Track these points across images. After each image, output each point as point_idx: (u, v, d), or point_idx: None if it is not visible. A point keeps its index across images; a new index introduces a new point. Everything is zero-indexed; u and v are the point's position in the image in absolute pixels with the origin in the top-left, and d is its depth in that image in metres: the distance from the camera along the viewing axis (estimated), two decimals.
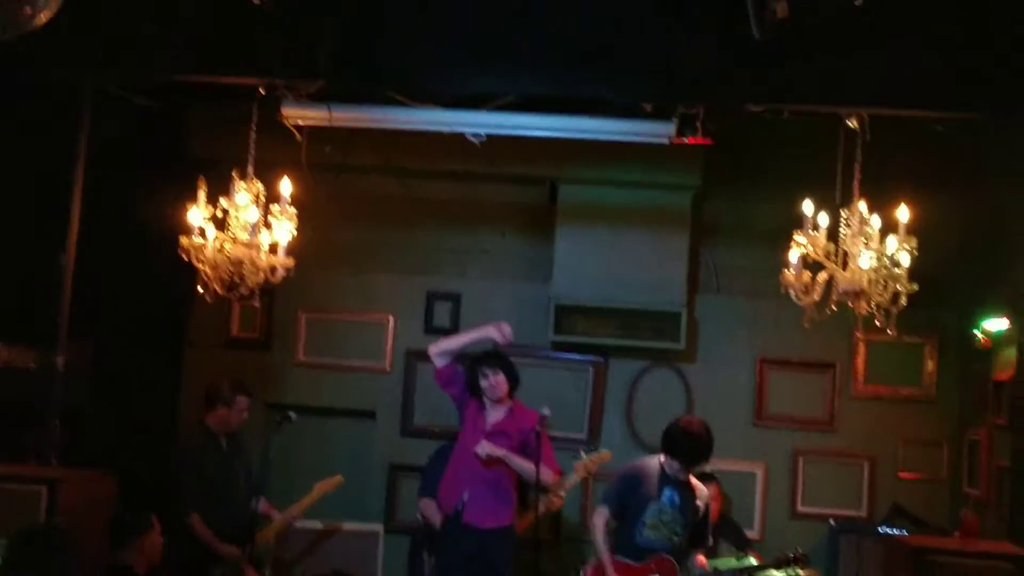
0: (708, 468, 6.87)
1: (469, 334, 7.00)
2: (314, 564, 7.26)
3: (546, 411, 6.31)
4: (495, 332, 6.77)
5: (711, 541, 6.50)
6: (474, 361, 6.80)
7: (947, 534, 7.27)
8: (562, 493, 7.22)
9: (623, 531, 6.35)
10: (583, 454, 7.46)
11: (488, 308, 8.48)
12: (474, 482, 6.65)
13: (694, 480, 6.48)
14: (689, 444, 6.25)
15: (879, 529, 7.58)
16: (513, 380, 6.74)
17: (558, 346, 8.31)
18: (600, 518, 6.40)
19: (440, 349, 6.86)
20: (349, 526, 7.43)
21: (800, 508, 8.17)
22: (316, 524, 7.31)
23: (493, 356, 6.78)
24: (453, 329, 8.47)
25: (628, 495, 6.36)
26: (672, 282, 8.19)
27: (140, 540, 5.49)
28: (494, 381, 6.65)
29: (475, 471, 6.65)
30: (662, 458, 6.37)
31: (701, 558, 6.38)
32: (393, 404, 8.51)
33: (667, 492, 6.27)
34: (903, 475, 8.25)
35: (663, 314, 8.16)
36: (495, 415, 6.73)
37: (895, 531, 7.46)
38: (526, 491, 6.69)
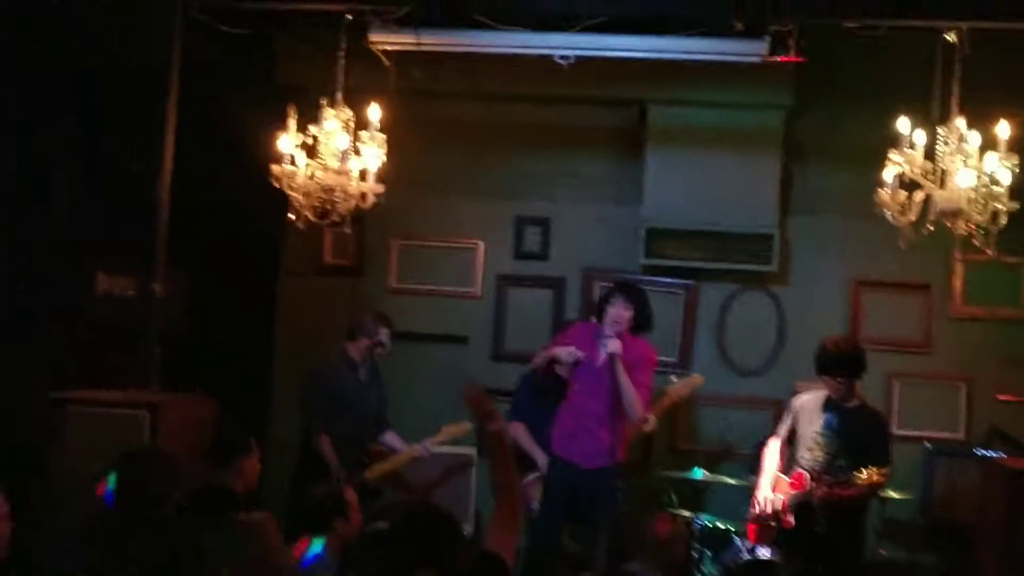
0: None
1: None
2: (409, 487, 7.37)
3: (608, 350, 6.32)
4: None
5: (886, 462, 6.31)
6: (612, 288, 6.66)
7: None
8: (652, 417, 7.22)
9: (793, 453, 6.49)
10: (674, 379, 7.46)
11: (577, 232, 8.49)
12: (584, 425, 6.57)
13: (872, 409, 6.48)
14: (822, 357, 6.28)
15: (976, 452, 7.50)
16: (641, 321, 6.54)
17: (648, 270, 8.25)
18: (770, 443, 6.60)
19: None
20: (443, 450, 7.52)
21: (896, 431, 8.05)
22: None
23: (631, 289, 6.63)
24: (542, 254, 8.50)
25: (793, 423, 6.47)
26: (764, 203, 8.09)
27: (239, 462, 5.57)
28: (618, 313, 6.44)
29: (586, 412, 6.57)
30: None
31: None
32: (484, 329, 8.56)
33: (826, 416, 6.28)
34: (1001, 397, 8.11)
35: (755, 236, 8.07)
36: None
37: (992, 454, 7.36)
38: None
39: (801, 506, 6.22)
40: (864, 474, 5.97)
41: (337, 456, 6.86)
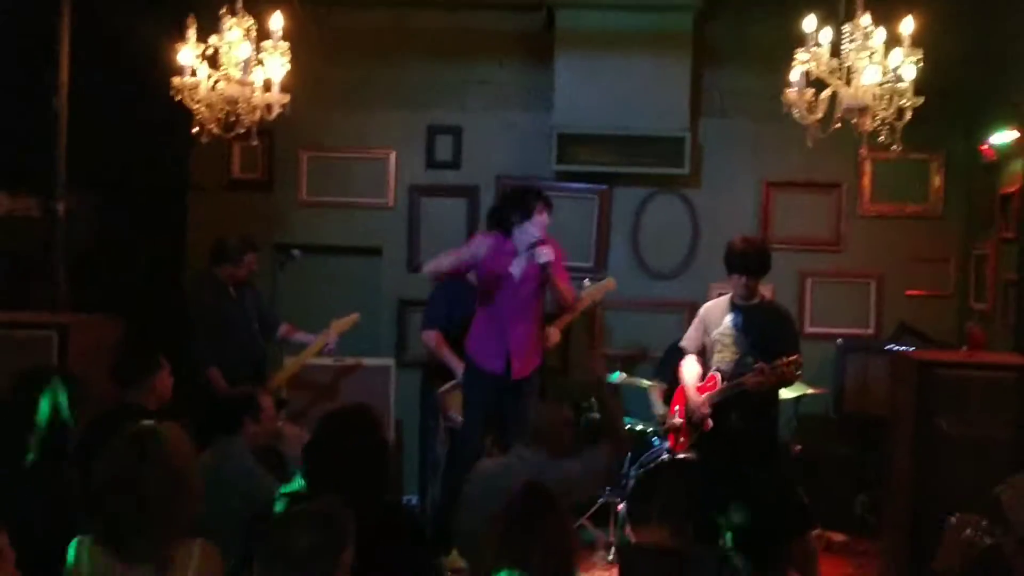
0: None
1: (458, 253, 6.74)
2: (328, 400, 7.36)
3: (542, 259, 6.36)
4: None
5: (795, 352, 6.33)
6: (529, 196, 6.55)
7: (954, 349, 7.32)
8: (558, 328, 7.23)
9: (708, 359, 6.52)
10: (587, 283, 7.49)
11: (489, 140, 8.44)
12: (517, 335, 6.60)
13: (772, 301, 6.64)
14: (730, 255, 6.32)
15: (886, 347, 7.64)
16: None
17: (561, 175, 8.24)
18: (686, 359, 6.61)
19: (433, 271, 6.78)
20: (362, 362, 7.51)
21: (808, 329, 8.18)
22: (328, 361, 7.39)
23: (544, 195, 6.59)
24: (455, 163, 8.45)
25: (703, 330, 6.51)
26: (675, 106, 8.07)
27: (151, 379, 5.51)
28: (544, 220, 6.45)
29: (518, 322, 6.60)
30: None
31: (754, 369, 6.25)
32: (398, 240, 8.51)
33: (731, 316, 6.33)
34: (910, 292, 8.28)
35: (667, 139, 8.07)
36: (523, 260, 6.54)
37: (902, 348, 7.51)
38: None
39: (716, 405, 6.30)
40: (784, 359, 6.06)
41: (236, 375, 6.75)
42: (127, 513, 3.41)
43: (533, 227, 6.46)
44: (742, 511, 4.12)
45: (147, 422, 3.69)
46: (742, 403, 6.21)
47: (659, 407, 7.25)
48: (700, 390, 6.37)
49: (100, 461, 3.50)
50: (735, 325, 6.34)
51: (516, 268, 6.52)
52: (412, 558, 4.07)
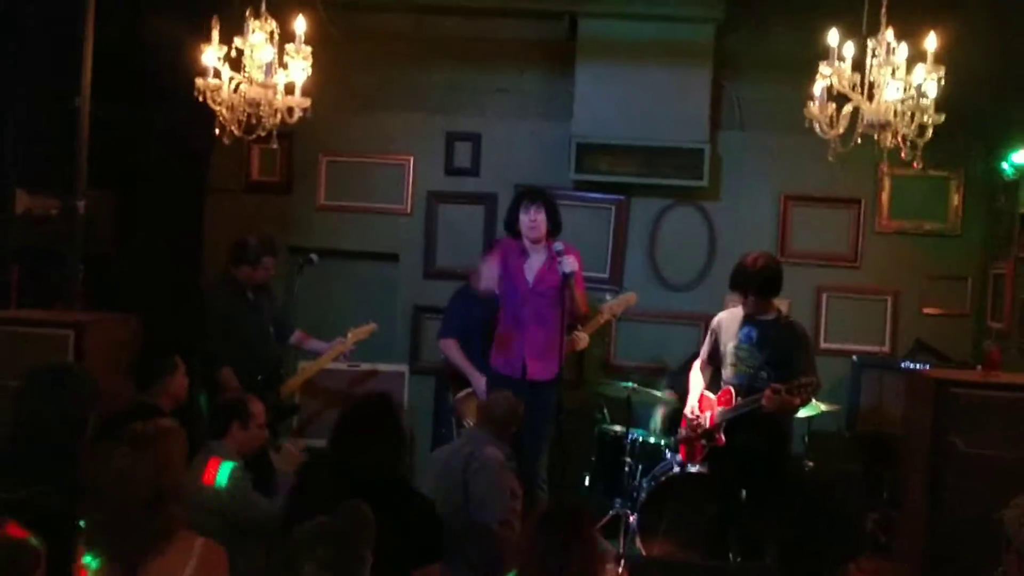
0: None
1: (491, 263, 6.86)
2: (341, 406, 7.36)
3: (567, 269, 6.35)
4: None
5: (810, 371, 6.28)
6: (519, 196, 6.82)
7: (970, 368, 7.28)
8: (586, 332, 7.23)
9: (717, 372, 6.50)
10: (608, 297, 7.47)
11: (508, 147, 8.44)
12: (533, 338, 6.66)
13: (788, 317, 6.55)
14: (737, 273, 6.30)
15: (902, 364, 7.61)
16: (554, 223, 6.70)
17: (579, 185, 8.23)
18: (695, 364, 6.65)
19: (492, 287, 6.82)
20: (375, 367, 7.51)
21: (823, 344, 8.16)
22: (342, 366, 7.39)
23: (538, 193, 6.77)
24: (473, 170, 8.45)
25: (715, 341, 6.48)
26: (695, 118, 8.06)
27: (166, 381, 5.55)
28: (535, 218, 6.62)
29: (533, 325, 6.65)
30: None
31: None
32: (415, 246, 8.51)
33: (744, 330, 6.29)
34: (926, 310, 8.24)
35: (686, 151, 8.05)
36: (536, 263, 6.69)
37: (918, 366, 7.47)
38: None
39: (730, 422, 6.27)
40: (804, 380, 6.02)
41: (250, 378, 6.79)
42: (115, 511, 3.45)
43: (522, 227, 6.64)
44: (795, 531, 4.05)
45: (143, 424, 3.71)
46: (756, 419, 6.17)
47: (657, 422, 7.31)
48: (714, 402, 6.36)
49: (96, 459, 3.54)
50: (748, 339, 6.30)
51: (529, 271, 6.64)
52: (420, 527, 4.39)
